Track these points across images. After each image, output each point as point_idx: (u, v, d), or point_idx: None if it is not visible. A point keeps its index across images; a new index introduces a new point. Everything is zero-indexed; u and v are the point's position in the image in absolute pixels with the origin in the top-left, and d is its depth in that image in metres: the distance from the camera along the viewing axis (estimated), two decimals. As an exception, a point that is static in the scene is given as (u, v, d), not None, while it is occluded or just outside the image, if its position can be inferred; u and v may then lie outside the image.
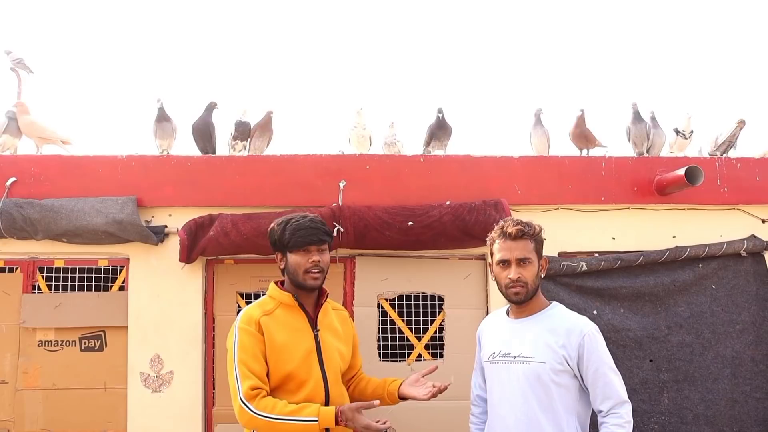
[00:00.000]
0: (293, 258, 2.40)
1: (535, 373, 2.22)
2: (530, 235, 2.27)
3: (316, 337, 2.42)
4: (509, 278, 2.26)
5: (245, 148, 3.93)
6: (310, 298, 2.48)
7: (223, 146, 4.01)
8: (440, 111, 3.98)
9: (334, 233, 3.32)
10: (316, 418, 2.23)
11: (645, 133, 4.06)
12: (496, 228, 2.35)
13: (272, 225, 2.48)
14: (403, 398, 2.52)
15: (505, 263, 2.29)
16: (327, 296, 2.54)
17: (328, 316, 2.53)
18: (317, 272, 2.40)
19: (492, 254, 2.35)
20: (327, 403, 2.37)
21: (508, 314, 2.43)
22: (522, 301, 2.30)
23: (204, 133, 3.86)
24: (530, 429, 2.21)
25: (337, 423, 2.24)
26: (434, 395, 2.41)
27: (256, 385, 2.27)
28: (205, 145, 3.87)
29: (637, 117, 4.09)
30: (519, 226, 2.27)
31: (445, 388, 2.43)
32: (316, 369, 2.38)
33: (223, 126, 4.04)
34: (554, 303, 2.40)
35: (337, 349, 2.48)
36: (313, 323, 2.44)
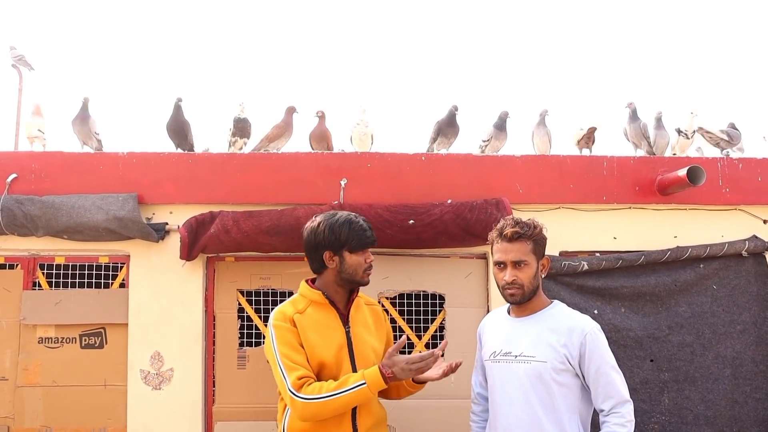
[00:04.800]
0: (354, 258, 2.47)
1: (537, 372, 2.21)
2: (527, 236, 2.26)
3: (347, 333, 2.46)
4: (504, 280, 2.28)
5: (245, 144, 3.92)
6: (342, 294, 2.53)
7: (199, 142, 4.02)
8: (455, 108, 3.98)
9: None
10: (363, 382, 2.26)
11: (640, 131, 4.06)
12: (495, 228, 2.35)
13: (329, 225, 2.48)
14: (419, 382, 2.52)
15: (501, 265, 2.30)
16: (358, 292, 2.59)
17: (361, 311, 2.57)
18: (371, 270, 2.53)
19: (492, 254, 2.37)
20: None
21: (509, 312, 2.43)
22: (519, 302, 2.31)
23: (178, 132, 3.86)
24: (532, 428, 2.21)
25: (385, 380, 2.26)
26: (447, 374, 2.38)
27: (302, 374, 2.31)
28: (181, 143, 3.87)
29: (633, 116, 4.10)
30: (515, 228, 2.26)
31: (458, 366, 2.39)
32: (347, 365, 2.41)
33: (224, 122, 4.06)
34: (555, 302, 2.40)
35: (371, 346, 2.51)
36: (345, 320, 2.48)
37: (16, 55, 4.22)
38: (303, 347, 2.39)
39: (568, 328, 2.25)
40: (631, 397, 3.41)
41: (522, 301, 2.30)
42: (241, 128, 3.89)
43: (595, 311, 3.47)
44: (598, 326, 2.29)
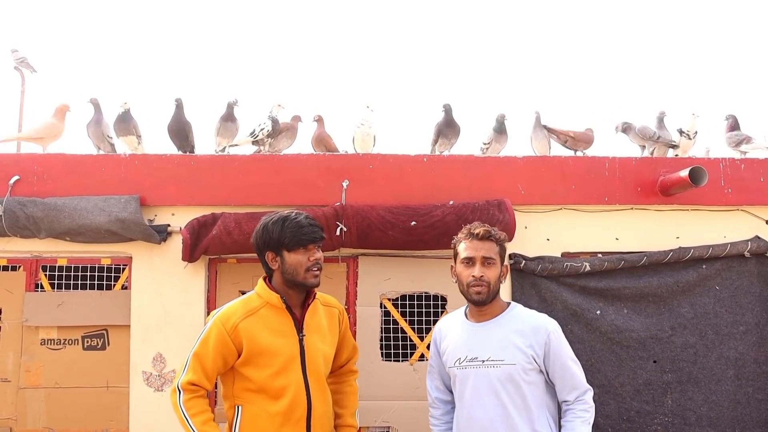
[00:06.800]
0: (293, 257, 2.32)
1: (508, 375, 2.27)
2: (496, 238, 2.36)
3: (301, 341, 2.36)
4: (473, 276, 2.30)
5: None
6: (299, 298, 2.41)
7: (203, 143, 4.00)
8: (446, 107, 3.99)
9: (337, 233, 3.32)
10: None
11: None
12: (462, 230, 2.41)
13: (264, 224, 2.38)
14: None
15: (469, 261, 2.33)
16: (314, 296, 2.46)
17: (316, 316, 2.45)
18: (318, 270, 2.37)
19: (457, 255, 2.39)
20: (309, 409, 2.33)
21: (467, 317, 2.43)
22: (483, 302, 2.33)
23: (179, 133, 3.85)
24: (504, 428, 2.26)
25: None
26: None
27: (198, 381, 2.29)
28: (182, 145, 3.87)
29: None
30: (486, 228, 2.36)
31: None
32: (297, 375, 2.32)
33: (246, 121, 4.06)
34: (513, 303, 2.45)
35: (322, 352, 2.41)
36: (299, 326, 2.37)
37: (18, 58, 4.25)
38: (234, 360, 2.30)
39: (532, 329, 2.32)
40: (634, 398, 3.45)
41: (486, 301, 2.33)
42: (276, 129, 3.89)
43: (598, 312, 3.47)
44: (556, 323, 2.39)
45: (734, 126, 4.16)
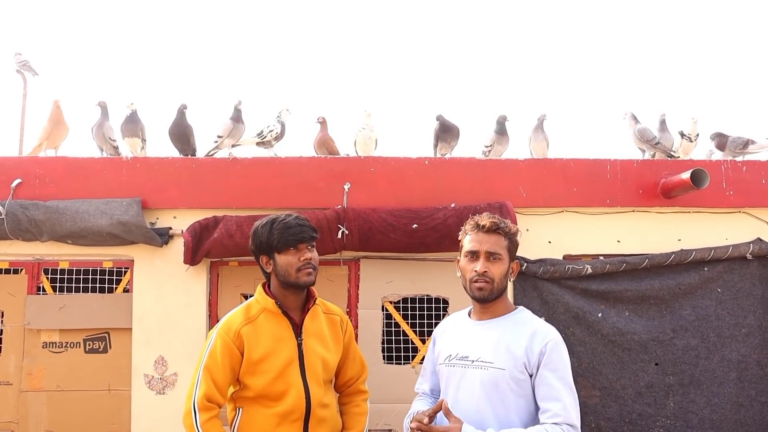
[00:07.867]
0: (283, 258, 2.32)
1: (493, 379, 2.07)
2: (504, 231, 2.17)
3: (299, 345, 2.35)
4: (475, 271, 2.12)
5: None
6: (297, 301, 2.40)
7: (204, 146, 4.00)
8: (439, 117, 4.07)
9: (339, 235, 3.32)
10: None
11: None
12: (469, 221, 2.24)
13: (255, 228, 2.40)
14: None
15: (473, 255, 2.15)
16: (315, 300, 2.45)
17: (317, 321, 2.44)
18: (311, 269, 2.34)
19: (462, 247, 2.22)
20: (309, 410, 2.32)
21: (470, 315, 2.29)
22: (486, 299, 2.15)
23: (181, 137, 3.87)
24: None
25: None
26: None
27: (213, 396, 2.26)
28: (184, 148, 3.89)
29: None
30: (494, 220, 2.17)
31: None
32: (296, 378, 2.32)
33: (253, 123, 4.06)
34: (520, 308, 2.26)
35: (321, 357, 2.39)
36: (297, 330, 2.37)
37: (20, 61, 4.25)
38: (239, 368, 2.29)
39: (530, 334, 2.10)
40: (636, 401, 3.43)
41: (489, 298, 2.14)
42: (283, 132, 3.94)
43: (599, 315, 3.46)
44: (561, 339, 2.13)
45: (722, 144, 4.14)
